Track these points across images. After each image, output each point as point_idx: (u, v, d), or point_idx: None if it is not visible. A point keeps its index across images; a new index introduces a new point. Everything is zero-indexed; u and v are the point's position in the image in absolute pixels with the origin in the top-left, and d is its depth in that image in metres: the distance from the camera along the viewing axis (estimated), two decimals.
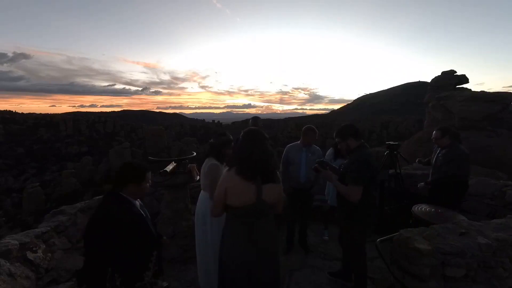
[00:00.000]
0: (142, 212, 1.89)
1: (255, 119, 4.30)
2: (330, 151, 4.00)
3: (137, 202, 1.89)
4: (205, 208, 2.57)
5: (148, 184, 1.88)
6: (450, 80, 16.00)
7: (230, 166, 1.89)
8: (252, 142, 1.90)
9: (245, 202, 1.80)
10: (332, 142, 3.57)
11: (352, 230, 2.63)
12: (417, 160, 4.26)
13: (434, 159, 3.73)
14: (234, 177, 1.82)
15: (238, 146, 1.97)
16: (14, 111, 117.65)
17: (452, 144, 3.50)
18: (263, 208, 1.85)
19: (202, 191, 2.74)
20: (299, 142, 3.60)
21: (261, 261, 1.84)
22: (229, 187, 1.82)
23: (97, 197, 3.60)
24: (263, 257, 1.85)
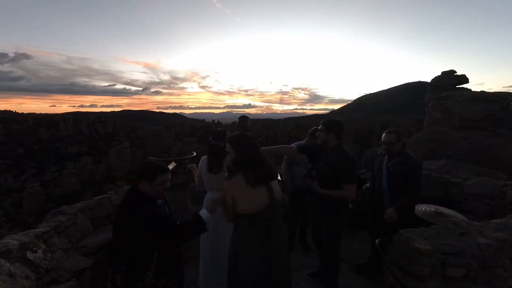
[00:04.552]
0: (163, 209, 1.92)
1: (243, 119, 3.87)
2: None
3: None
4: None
5: (162, 187, 1.81)
6: (450, 80, 16.01)
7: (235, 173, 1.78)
8: (253, 147, 1.83)
9: (259, 207, 1.75)
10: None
11: (332, 224, 2.68)
12: (363, 187, 3.46)
13: (383, 169, 2.99)
14: (242, 185, 1.75)
15: (240, 155, 1.81)
16: (14, 111, 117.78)
17: (404, 153, 2.90)
18: (277, 207, 1.84)
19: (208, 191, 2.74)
20: (303, 142, 3.53)
21: (277, 261, 1.80)
22: (236, 196, 1.77)
23: (97, 197, 3.60)
24: (279, 258, 1.81)
